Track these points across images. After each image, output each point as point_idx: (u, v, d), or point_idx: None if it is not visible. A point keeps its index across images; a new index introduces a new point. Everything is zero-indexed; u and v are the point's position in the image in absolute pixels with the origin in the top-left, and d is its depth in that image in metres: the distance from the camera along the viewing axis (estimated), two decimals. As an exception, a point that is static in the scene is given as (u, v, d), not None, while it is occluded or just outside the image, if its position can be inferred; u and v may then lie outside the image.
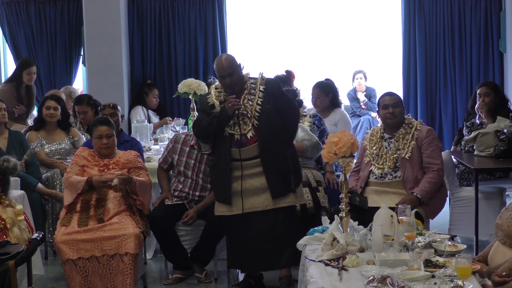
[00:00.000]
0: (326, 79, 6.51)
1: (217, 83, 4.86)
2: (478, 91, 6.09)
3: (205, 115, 4.72)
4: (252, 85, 4.71)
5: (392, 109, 4.81)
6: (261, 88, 4.68)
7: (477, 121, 6.06)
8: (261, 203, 4.65)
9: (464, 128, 6.22)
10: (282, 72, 6.57)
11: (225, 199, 4.69)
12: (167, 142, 5.98)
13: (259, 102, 4.64)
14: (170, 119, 7.54)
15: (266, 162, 4.61)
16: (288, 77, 6.47)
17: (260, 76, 4.76)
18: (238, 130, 4.61)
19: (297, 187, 4.76)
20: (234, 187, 4.66)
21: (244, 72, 4.74)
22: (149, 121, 7.47)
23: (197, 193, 5.24)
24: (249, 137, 4.62)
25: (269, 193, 4.63)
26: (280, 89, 4.79)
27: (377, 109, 5.06)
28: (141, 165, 5.13)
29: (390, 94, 4.94)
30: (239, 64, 4.71)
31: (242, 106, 4.61)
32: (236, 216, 4.69)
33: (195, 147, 5.27)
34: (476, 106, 6.06)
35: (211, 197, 5.17)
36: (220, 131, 4.66)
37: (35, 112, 7.45)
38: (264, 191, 4.64)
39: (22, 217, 4.30)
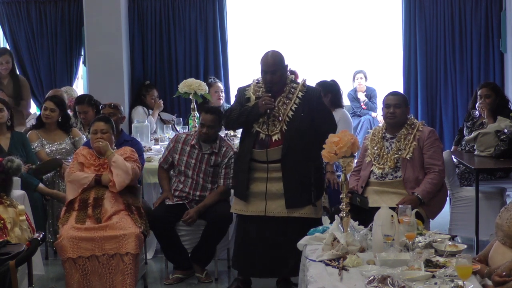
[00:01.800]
0: (331, 80, 6.49)
1: (257, 77, 4.80)
2: (479, 92, 6.09)
3: (238, 105, 4.70)
4: (291, 89, 4.65)
5: (393, 109, 4.81)
6: (300, 94, 4.63)
7: (477, 112, 6.05)
8: (274, 209, 4.63)
9: (465, 128, 6.22)
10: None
11: (241, 196, 4.70)
12: (167, 142, 5.98)
13: (293, 108, 4.60)
14: (161, 100, 7.70)
15: (286, 167, 4.58)
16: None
17: (302, 82, 4.70)
18: (266, 130, 4.58)
19: (317, 201, 4.70)
20: (253, 188, 4.64)
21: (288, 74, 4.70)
22: (150, 122, 7.47)
23: (198, 193, 5.24)
24: (273, 140, 4.59)
25: (284, 201, 4.61)
26: (320, 99, 4.77)
27: (381, 107, 5.05)
28: (134, 158, 5.13)
29: (394, 94, 4.94)
30: (286, 65, 4.66)
31: (276, 108, 4.57)
32: (253, 217, 4.68)
33: (196, 146, 5.26)
34: (477, 104, 6.06)
35: (212, 197, 5.18)
36: (248, 126, 4.64)
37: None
38: (280, 197, 4.62)
39: (24, 217, 4.29)
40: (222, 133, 5.67)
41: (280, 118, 4.58)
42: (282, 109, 4.60)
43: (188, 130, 6.55)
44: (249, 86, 4.77)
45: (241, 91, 4.79)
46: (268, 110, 4.54)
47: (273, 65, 4.58)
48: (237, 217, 4.91)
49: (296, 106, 4.60)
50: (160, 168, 5.44)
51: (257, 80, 4.76)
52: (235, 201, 4.84)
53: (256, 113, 4.57)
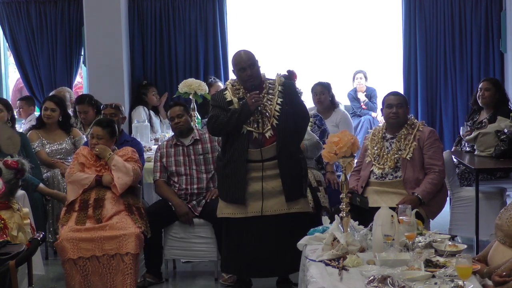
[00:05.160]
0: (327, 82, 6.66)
1: (230, 80, 4.80)
2: (479, 86, 6.13)
3: (221, 111, 4.62)
4: (270, 85, 4.66)
5: (396, 109, 4.80)
6: (280, 88, 4.63)
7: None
8: (271, 207, 4.61)
9: (465, 127, 6.22)
10: (283, 72, 6.60)
11: (238, 200, 4.60)
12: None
13: (279, 102, 4.59)
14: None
15: (282, 163, 4.57)
16: (290, 77, 6.50)
17: (278, 76, 4.71)
18: (257, 128, 4.56)
19: (306, 192, 4.77)
20: (248, 189, 4.58)
21: (261, 72, 4.68)
22: (150, 122, 7.48)
23: (195, 186, 5.23)
24: (267, 137, 4.57)
25: (283, 197, 4.59)
26: (297, 92, 4.79)
27: (381, 107, 5.06)
28: (136, 159, 5.13)
29: (395, 94, 4.94)
30: (257, 61, 4.65)
31: (262, 105, 4.54)
32: (245, 219, 4.62)
33: (178, 143, 5.29)
34: (477, 95, 6.10)
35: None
36: (237, 128, 4.57)
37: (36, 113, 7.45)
38: (276, 195, 4.60)
39: (28, 221, 4.28)
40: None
41: (267, 114, 4.57)
42: (268, 105, 4.59)
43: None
44: (225, 90, 4.72)
45: (218, 95, 4.73)
46: (259, 107, 4.53)
47: (249, 60, 4.58)
48: (225, 220, 4.73)
49: (281, 99, 4.60)
50: (160, 183, 5.29)
51: (232, 82, 4.73)
52: (223, 205, 4.71)
53: (247, 112, 4.52)
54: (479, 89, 6.10)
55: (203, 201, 5.23)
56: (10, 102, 6.50)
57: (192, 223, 5.20)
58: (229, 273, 5.04)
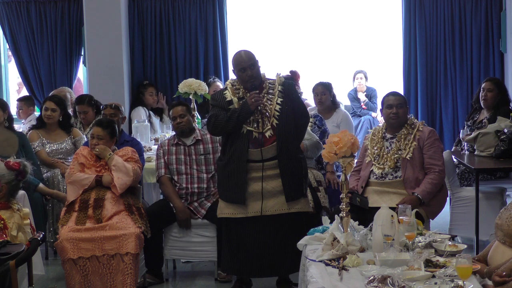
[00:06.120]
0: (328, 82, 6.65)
1: (230, 80, 4.80)
2: (482, 86, 6.13)
3: (221, 110, 4.61)
4: (270, 85, 4.66)
5: (396, 110, 4.80)
6: (280, 88, 4.64)
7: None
8: (271, 208, 4.60)
9: (465, 127, 6.23)
10: (284, 72, 6.60)
11: (239, 200, 4.59)
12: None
13: (279, 102, 4.59)
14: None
15: (283, 163, 4.57)
16: (293, 77, 6.50)
17: (278, 76, 4.71)
18: (257, 128, 4.56)
19: (306, 192, 4.76)
20: (248, 189, 4.58)
21: (261, 72, 4.67)
22: (150, 122, 7.48)
23: (196, 185, 5.23)
24: (267, 136, 4.57)
25: (283, 197, 4.58)
26: (296, 92, 4.78)
27: (380, 108, 5.06)
28: (136, 159, 5.14)
29: (395, 94, 4.93)
30: (257, 61, 4.65)
31: (262, 104, 4.54)
32: (245, 219, 4.62)
33: (180, 143, 5.29)
34: (479, 95, 6.10)
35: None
36: (237, 128, 4.56)
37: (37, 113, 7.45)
38: (276, 194, 4.59)
39: (28, 221, 4.28)
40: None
41: (267, 114, 4.57)
42: (268, 104, 4.59)
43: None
44: (225, 89, 4.71)
45: (218, 95, 4.72)
46: (259, 107, 4.52)
47: (249, 60, 4.57)
48: (225, 220, 4.73)
49: (281, 99, 4.60)
50: (165, 180, 5.26)
51: (232, 82, 4.73)
52: (223, 205, 4.71)
53: (247, 111, 4.52)
54: (481, 89, 6.11)
55: (207, 203, 5.22)
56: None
57: (190, 228, 5.20)
58: (229, 273, 5.04)
